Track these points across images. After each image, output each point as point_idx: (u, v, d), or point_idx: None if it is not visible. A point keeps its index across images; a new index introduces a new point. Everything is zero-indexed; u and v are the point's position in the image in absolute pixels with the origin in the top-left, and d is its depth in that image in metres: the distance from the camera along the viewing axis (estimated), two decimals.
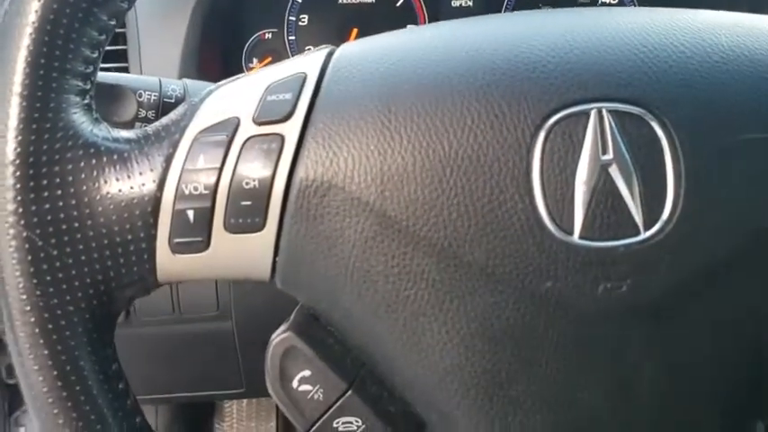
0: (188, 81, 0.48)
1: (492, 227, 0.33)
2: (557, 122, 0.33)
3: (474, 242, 0.33)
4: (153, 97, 0.45)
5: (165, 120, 0.36)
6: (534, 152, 0.33)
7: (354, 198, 0.33)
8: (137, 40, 0.66)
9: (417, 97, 0.34)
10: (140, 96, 0.45)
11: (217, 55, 0.74)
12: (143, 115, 0.45)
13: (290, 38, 0.77)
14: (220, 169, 0.34)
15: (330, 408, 0.37)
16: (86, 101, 0.35)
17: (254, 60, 0.77)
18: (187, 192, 0.34)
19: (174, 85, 0.46)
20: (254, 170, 0.34)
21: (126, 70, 0.65)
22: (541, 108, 0.33)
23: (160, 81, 0.46)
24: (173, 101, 0.46)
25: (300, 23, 0.77)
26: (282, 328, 0.38)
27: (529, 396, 0.34)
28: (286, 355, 0.37)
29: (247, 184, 0.34)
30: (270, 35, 0.77)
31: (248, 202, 0.34)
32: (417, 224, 0.33)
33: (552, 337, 0.33)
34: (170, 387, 0.76)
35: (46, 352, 0.33)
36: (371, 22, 0.76)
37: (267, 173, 0.34)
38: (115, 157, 0.35)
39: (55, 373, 0.33)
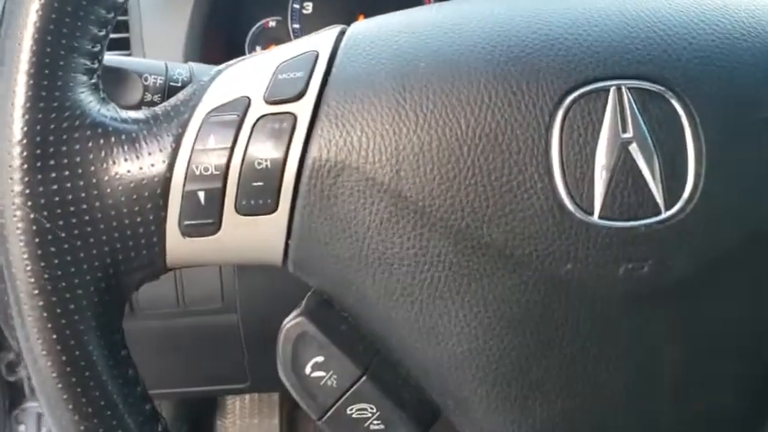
0: (194, 65, 0.47)
1: (510, 207, 0.32)
2: (575, 100, 0.32)
3: (492, 223, 0.32)
4: (159, 81, 0.44)
5: (173, 100, 0.35)
6: (553, 130, 0.32)
7: (369, 178, 0.33)
8: (139, 28, 0.65)
9: (433, 75, 0.33)
10: (146, 80, 0.44)
11: (220, 43, 0.73)
12: (149, 99, 0.44)
13: (294, 26, 0.76)
14: (231, 149, 0.33)
15: (344, 394, 0.36)
16: (94, 80, 0.34)
17: (258, 48, 0.77)
18: (198, 172, 0.33)
19: (180, 69, 0.46)
20: (265, 150, 0.33)
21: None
22: (560, 86, 0.33)
23: (166, 65, 0.45)
24: (179, 84, 0.45)
25: (304, 11, 0.76)
26: (294, 313, 0.37)
27: (548, 380, 0.33)
28: (298, 340, 0.36)
29: (259, 164, 0.33)
30: (274, 23, 0.76)
31: (260, 183, 0.33)
32: (434, 205, 0.32)
33: (572, 319, 0.33)
34: (173, 382, 0.75)
35: (54, 336, 0.32)
36: (377, 10, 0.75)
37: (279, 153, 0.33)
38: (123, 137, 0.34)
39: (64, 358, 0.33)
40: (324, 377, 0.36)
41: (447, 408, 0.36)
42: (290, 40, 0.76)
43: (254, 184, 0.33)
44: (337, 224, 0.33)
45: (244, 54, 0.76)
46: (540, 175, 0.32)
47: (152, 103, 0.44)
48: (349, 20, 0.81)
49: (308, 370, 0.36)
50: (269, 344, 0.73)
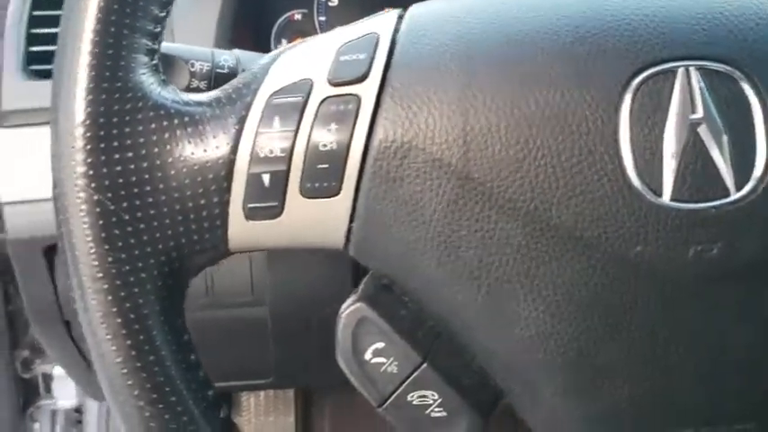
0: (239, 52, 0.46)
1: (580, 189, 0.32)
2: (644, 81, 0.32)
3: (561, 205, 0.32)
4: (205, 67, 0.44)
5: (234, 83, 0.35)
6: (621, 111, 0.32)
7: (436, 159, 0.32)
8: (170, 20, 0.65)
9: (499, 55, 0.33)
10: (192, 66, 0.43)
11: (247, 36, 0.72)
12: (195, 86, 0.43)
13: (321, 18, 0.76)
14: (296, 131, 0.33)
15: (404, 381, 0.35)
16: (155, 61, 0.34)
17: (283, 41, 0.76)
18: (262, 155, 0.33)
19: (226, 56, 0.45)
20: (330, 132, 0.33)
21: None
22: (628, 66, 0.32)
23: (212, 52, 0.45)
24: (225, 71, 0.44)
25: (330, 4, 0.76)
26: (352, 298, 0.36)
27: (617, 364, 0.33)
28: (358, 326, 0.36)
29: (324, 146, 0.33)
30: (300, 16, 0.76)
31: (325, 166, 0.33)
32: (502, 186, 0.32)
33: (641, 302, 0.32)
34: None
35: (119, 320, 0.32)
36: (403, 2, 0.75)
37: (344, 134, 0.33)
38: (186, 119, 0.33)
39: (129, 342, 0.32)
40: (384, 363, 0.35)
41: (511, 392, 0.35)
42: (315, 33, 0.76)
43: (319, 166, 0.33)
44: (402, 207, 0.33)
45: (269, 47, 0.76)
46: (610, 156, 0.32)
47: (198, 90, 0.43)
48: (375, 12, 0.80)
49: (368, 356, 0.36)
50: (297, 338, 0.73)
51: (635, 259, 0.32)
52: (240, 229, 0.34)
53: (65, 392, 1.11)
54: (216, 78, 0.44)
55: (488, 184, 0.32)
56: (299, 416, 1.08)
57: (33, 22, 0.65)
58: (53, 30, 0.65)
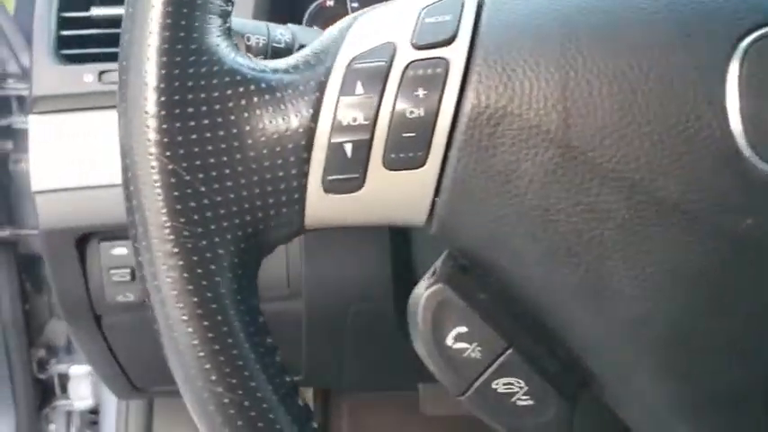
0: (294, 26, 0.44)
1: (687, 158, 0.30)
2: (752, 43, 0.30)
3: (668, 175, 0.30)
4: (261, 41, 0.42)
5: (311, 48, 0.33)
6: (729, 75, 0.30)
7: (533, 126, 0.30)
8: None
9: (599, 15, 0.31)
10: (248, 40, 0.41)
11: (280, 23, 0.70)
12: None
13: (353, 5, 0.74)
14: (380, 98, 0.31)
15: (489, 367, 0.33)
16: (228, 24, 0.32)
17: (315, 28, 0.74)
18: (344, 123, 0.31)
19: (281, 30, 0.43)
20: (417, 98, 0.31)
21: None
22: (736, 28, 0.30)
23: (267, 26, 0.43)
24: (282, 45, 0.42)
25: None
26: (430, 280, 0.34)
27: (722, 345, 0.31)
28: (439, 309, 0.33)
29: (411, 113, 0.31)
30: (332, 2, 0.74)
31: (411, 134, 0.31)
32: (605, 155, 0.30)
33: (751, 278, 0.30)
34: None
35: (195, 299, 0.30)
36: None
37: (432, 101, 0.31)
38: (263, 86, 0.31)
39: (206, 323, 0.30)
40: (467, 349, 0.33)
41: (603, 378, 0.33)
42: None
43: (404, 135, 0.31)
44: (495, 177, 0.31)
45: None
46: (718, 123, 0.30)
47: None
48: None
49: (449, 341, 0.33)
50: (331, 335, 0.70)
51: (744, 233, 0.30)
52: (318, 203, 0.32)
53: (81, 393, 1.09)
54: (273, 53, 0.42)
55: (590, 153, 0.30)
56: (317, 416, 1.06)
57: (64, 5, 0.63)
58: (84, 13, 0.63)
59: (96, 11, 0.62)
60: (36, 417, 1.11)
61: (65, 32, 0.62)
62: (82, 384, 1.09)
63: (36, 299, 1.11)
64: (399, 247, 0.64)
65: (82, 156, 0.60)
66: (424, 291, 0.34)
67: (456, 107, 0.30)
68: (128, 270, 0.62)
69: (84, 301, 0.63)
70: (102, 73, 0.60)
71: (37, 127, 0.60)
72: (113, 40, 0.62)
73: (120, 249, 0.62)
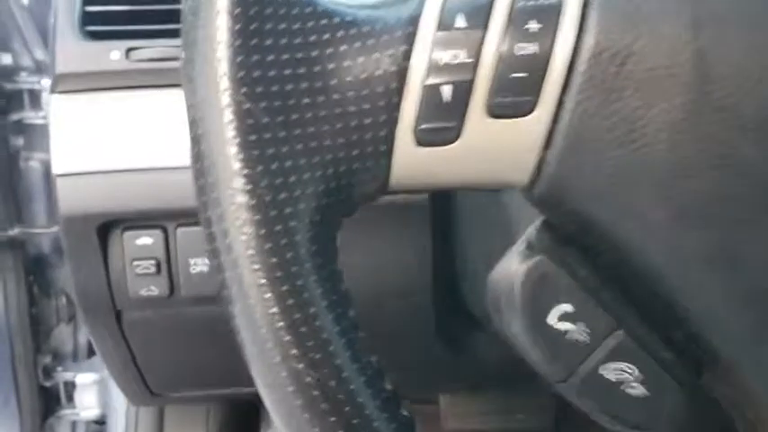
0: None
1: None
2: None
3: None
4: None
5: None
6: None
7: (663, 67, 0.26)
8: None
9: None
10: None
11: None
12: None
13: None
14: (484, 32, 0.27)
15: (596, 350, 0.29)
16: None
17: None
18: (442, 62, 0.27)
19: None
20: (528, 33, 0.27)
21: None
22: None
23: None
24: None
25: None
26: (525, 252, 0.30)
27: None
28: (540, 284, 0.29)
29: (521, 50, 0.27)
30: None
31: (521, 75, 0.27)
32: (744, 102, 0.26)
33: None
34: (232, 379, 0.68)
35: (274, 260, 0.25)
36: None
37: (547, 36, 0.26)
38: (348, 19, 0.27)
39: (284, 288, 0.26)
40: (572, 330, 0.29)
41: (728, 357, 0.29)
42: None
43: (513, 75, 0.27)
44: (618, 125, 0.27)
45: None
46: None
47: None
48: None
49: (551, 320, 0.29)
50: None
51: None
52: (407, 157, 0.27)
53: (87, 402, 1.05)
54: None
55: (727, 100, 0.26)
56: None
57: None
58: None
59: None
60: (40, 426, 1.07)
61: (90, 8, 0.58)
62: (88, 393, 1.05)
63: (44, 303, 1.07)
64: (439, 239, 0.59)
65: (107, 138, 0.56)
66: (518, 264, 0.30)
67: (574, 44, 0.26)
68: (152, 261, 0.58)
69: (104, 294, 0.59)
70: (129, 50, 0.56)
71: (59, 107, 0.56)
72: (140, 17, 0.59)
73: (145, 239, 0.58)
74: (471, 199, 0.55)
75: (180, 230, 0.58)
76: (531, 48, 0.26)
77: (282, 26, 0.26)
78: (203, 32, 0.26)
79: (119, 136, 0.56)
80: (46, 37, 1.07)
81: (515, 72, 0.27)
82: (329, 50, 0.27)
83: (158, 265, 0.58)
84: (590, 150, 0.27)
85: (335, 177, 0.27)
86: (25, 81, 0.96)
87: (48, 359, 1.07)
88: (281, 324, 0.26)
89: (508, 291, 0.30)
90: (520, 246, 0.31)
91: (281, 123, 0.26)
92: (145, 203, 0.56)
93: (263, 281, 0.25)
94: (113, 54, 0.56)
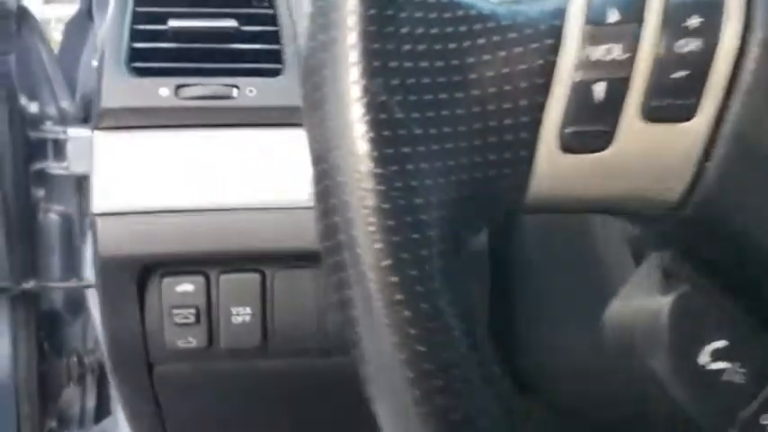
0: None
1: None
2: None
3: None
4: None
5: None
6: None
7: None
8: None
9: None
10: None
11: None
12: None
13: None
14: (640, 26, 0.24)
15: (757, 395, 0.25)
16: None
17: None
18: (594, 58, 0.24)
19: None
20: (690, 28, 0.24)
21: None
22: None
23: None
24: None
25: None
26: (660, 282, 0.26)
27: None
28: (688, 317, 0.26)
29: (682, 47, 0.24)
30: None
31: (681, 74, 0.24)
32: None
33: None
34: None
35: (414, 273, 0.22)
36: None
37: (711, 30, 0.24)
38: (486, 12, 0.24)
39: (424, 305, 0.22)
40: (727, 370, 0.25)
41: None
42: None
43: (673, 75, 0.24)
44: None
45: None
46: None
47: None
48: None
49: (702, 359, 0.25)
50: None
51: None
52: (550, 165, 0.24)
53: None
54: None
55: None
56: None
57: (137, 17, 0.57)
58: (158, 26, 0.57)
59: (173, 22, 0.57)
60: None
61: (137, 45, 0.56)
62: None
63: (54, 361, 1.02)
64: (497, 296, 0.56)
65: (150, 177, 0.53)
66: (660, 296, 0.26)
67: (742, 38, 0.24)
68: (192, 311, 0.54)
69: (138, 345, 0.55)
70: (179, 87, 0.54)
71: (103, 143, 0.53)
72: (188, 55, 0.57)
73: (186, 286, 0.54)
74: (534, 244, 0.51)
75: (223, 277, 0.54)
76: (693, 44, 0.24)
77: (418, 14, 0.23)
78: (335, 15, 0.23)
79: (163, 175, 0.53)
80: (73, 87, 1.06)
81: (675, 71, 0.24)
82: (467, 43, 0.24)
83: (198, 315, 0.54)
84: (758, 161, 0.24)
85: (470, 185, 0.23)
86: (50, 130, 0.94)
87: (53, 423, 1.02)
88: (419, 349, 0.22)
89: (649, 327, 0.26)
90: (651, 275, 0.27)
91: (417, 121, 0.22)
92: (188, 246, 0.53)
93: (400, 296, 0.22)
94: (162, 90, 0.54)
